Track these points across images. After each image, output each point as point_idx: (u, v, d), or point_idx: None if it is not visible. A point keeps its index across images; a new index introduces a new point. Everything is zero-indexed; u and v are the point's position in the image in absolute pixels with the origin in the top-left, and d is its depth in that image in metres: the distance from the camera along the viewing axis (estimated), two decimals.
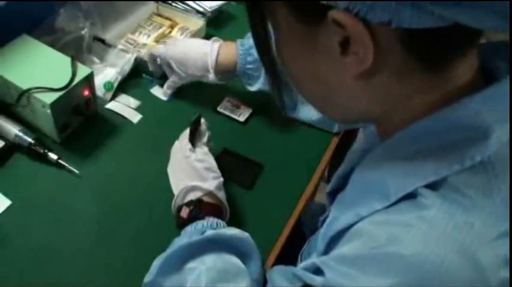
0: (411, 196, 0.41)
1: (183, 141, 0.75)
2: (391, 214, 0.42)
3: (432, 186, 0.41)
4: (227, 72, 0.88)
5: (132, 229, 0.78)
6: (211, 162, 0.74)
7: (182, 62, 0.88)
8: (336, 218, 0.49)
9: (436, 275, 0.37)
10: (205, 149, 0.76)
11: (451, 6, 0.34)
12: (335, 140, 0.94)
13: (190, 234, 0.65)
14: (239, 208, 0.82)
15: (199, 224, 0.66)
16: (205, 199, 0.69)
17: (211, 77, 0.87)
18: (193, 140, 0.77)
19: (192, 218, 0.68)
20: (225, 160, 0.84)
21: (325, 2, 0.37)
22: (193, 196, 0.70)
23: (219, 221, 0.67)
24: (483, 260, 0.38)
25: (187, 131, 0.76)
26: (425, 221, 0.39)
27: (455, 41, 0.39)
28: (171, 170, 0.75)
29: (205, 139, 0.77)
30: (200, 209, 0.68)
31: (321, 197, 1.03)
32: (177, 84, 0.94)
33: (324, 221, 0.60)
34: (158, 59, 0.92)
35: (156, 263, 0.63)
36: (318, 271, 0.44)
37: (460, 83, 0.42)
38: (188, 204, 0.69)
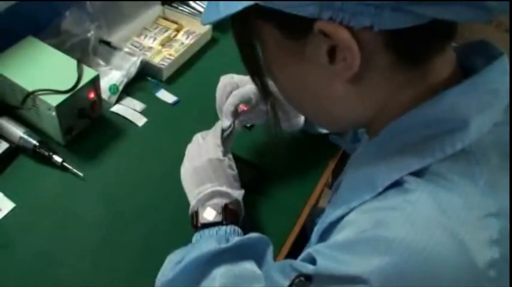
0: (397, 184, 0.43)
1: (213, 140, 0.73)
2: (379, 201, 0.43)
3: (417, 173, 0.42)
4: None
5: (138, 234, 0.78)
6: (236, 170, 0.75)
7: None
8: (329, 213, 0.51)
9: (422, 255, 0.38)
10: (231, 156, 0.76)
11: (427, 4, 0.36)
12: (337, 154, 0.95)
13: (217, 239, 0.64)
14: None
15: (222, 230, 0.66)
16: (230, 206, 0.70)
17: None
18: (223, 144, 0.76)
19: (215, 222, 0.67)
20: None
21: (309, 16, 0.39)
22: (219, 201, 0.69)
23: (239, 229, 0.69)
24: (467, 240, 0.38)
25: (218, 131, 0.74)
26: (409, 203, 0.40)
27: (434, 37, 0.41)
28: (190, 168, 0.72)
29: (230, 145, 0.77)
30: (225, 214, 0.68)
31: (324, 203, 1.04)
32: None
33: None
34: (253, 98, 0.75)
35: (174, 259, 0.63)
36: (312, 260, 0.45)
37: (441, 77, 0.44)
38: (214, 207, 0.68)
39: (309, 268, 0.45)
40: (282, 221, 0.82)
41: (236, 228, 0.68)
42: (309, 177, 0.89)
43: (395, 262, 0.38)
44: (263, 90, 0.49)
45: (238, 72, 0.81)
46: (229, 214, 0.69)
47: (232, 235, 0.66)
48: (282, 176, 0.88)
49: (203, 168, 0.71)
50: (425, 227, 0.39)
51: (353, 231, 0.43)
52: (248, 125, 0.94)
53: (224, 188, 0.70)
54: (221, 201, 0.69)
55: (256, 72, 0.47)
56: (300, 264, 0.47)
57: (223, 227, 0.66)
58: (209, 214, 0.68)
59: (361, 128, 0.58)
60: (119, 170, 0.87)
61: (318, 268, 0.44)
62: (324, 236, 0.51)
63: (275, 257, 0.75)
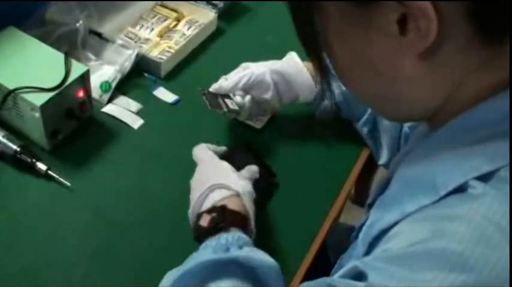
0: (461, 189, 0.42)
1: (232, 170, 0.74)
2: (440, 208, 0.43)
3: (482, 178, 0.42)
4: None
5: (133, 250, 0.78)
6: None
7: (286, 80, 0.87)
8: (378, 218, 0.50)
9: (492, 274, 0.38)
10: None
11: None
12: (365, 153, 0.95)
13: (213, 249, 0.63)
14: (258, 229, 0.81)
15: (223, 238, 0.64)
16: (230, 205, 0.67)
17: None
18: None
19: (213, 228, 0.65)
20: (233, 155, 0.83)
21: None
22: (217, 196, 0.68)
23: (245, 237, 0.65)
24: None
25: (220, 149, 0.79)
26: (477, 213, 0.40)
27: None
28: (198, 179, 0.73)
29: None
30: (223, 217, 0.66)
31: (347, 218, 1.08)
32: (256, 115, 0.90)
33: (360, 228, 0.61)
34: (240, 83, 0.86)
35: (169, 277, 0.62)
36: (359, 275, 0.45)
37: None
38: (210, 211, 0.67)
39: (358, 286, 0.44)
40: (298, 237, 0.82)
41: (241, 235, 0.65)
42: (329, 185, 0.89)
43: (462, 279, 0.38)
44: (320, 67, 0.49)
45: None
46: (228, 215, 0.66)
47: (235, 244, 0.63)
48: (298, 186, 0.89)
49: (197, 182, 0.73)
50: (496, 244, 0.39)
51: (409, 241, 0.42)
52: (258, 126, 0.95)
53: (218, 181, 0.69)
54: (219, 195, 0.68)
55: (312, 46, 0.48)
56: (344, 282, 0.46)
57: (224, 236, 0.64)
58: (204, 221, 0.66)
59: (423, 120, 0.57)
60: (112, 179, 0.87)
61: (370, 285, 0.43)
62: (373, 245, 0.50)
63: (291, 279, 0.76)
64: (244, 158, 0.81)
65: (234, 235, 0.64)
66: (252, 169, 0.76)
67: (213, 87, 0.87)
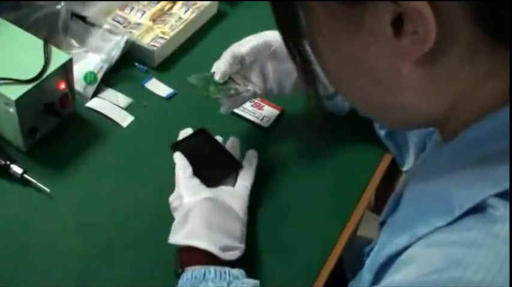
0: (479, 208, 0.43)
1: (240, 204, 0.80)
2: (455, 231, 0.43)
3: (503, 195, 0.42)
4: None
5: (123, 268, 0.78)
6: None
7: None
8: (386, 242, 0.51)
9: None
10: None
11: None
12: (387, 158, 0.96)
13: (212, 280, 0.67)
14: (262, 246, 0.82)
15: (220, 271, 0.70)
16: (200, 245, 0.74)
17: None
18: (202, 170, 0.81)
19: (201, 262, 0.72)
20: (196, 145, 0.86)
21: None
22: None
23: (241, 271, 0.72)
24: None
25: (245, 192, 0.82)
26: (497, 238, 0.40)
27: None
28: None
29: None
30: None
31: (366, 230, 1.09)
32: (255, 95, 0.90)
33: (370, 251, 0.62)
34: (246, 56, 0.85)
35: None
36: None
37: None
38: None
39: None
40: (312, 253, 0.82)
41: (231, 271, 0.71)
42: (346, 194, 0.89)
43: None
44: (303, 68, 0.49)
45: None
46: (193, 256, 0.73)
47: (233, 277, 0.69)
48: (310, 195, 0.89)
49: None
50: None
51: (421, 270, 0.43)
52: (264, 125, 0.96)
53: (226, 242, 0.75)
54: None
55: (295, 44, 0.48)
56: None
57: (212, 269, 0.70)
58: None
59: (429, 127, 0.58)
60: (97, 184, 0.87)
61: None
62: (381, 273, 0.51)
63: None
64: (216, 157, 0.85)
65: (231, 270, 0.71)
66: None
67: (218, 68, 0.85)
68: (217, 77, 0.83)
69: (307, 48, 0.49)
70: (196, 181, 0.80)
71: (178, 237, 0.75)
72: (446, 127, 0.51)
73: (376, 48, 0.44)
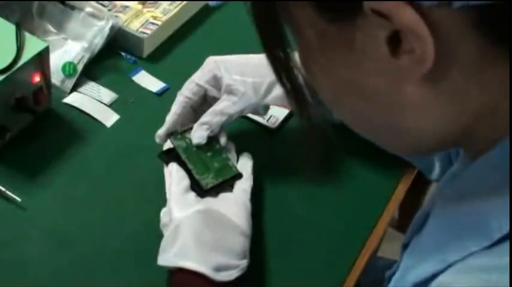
0: None
1: (244, 216, 0.79)
2: (494, 256, 0.44)
3: None
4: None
5: None
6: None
7: (244, 65, 0.89)
8: (411, 267, 0.52)
9: None
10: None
11: None
12: (413, 169, 0.95)
13: None
14: (267, 266, 0.82)
15: None
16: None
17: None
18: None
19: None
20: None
21: None
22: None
23: None
24: None
25: (246, 200, 0.81)
26: None
27: None
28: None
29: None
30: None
31: (388, 250, 1.09)
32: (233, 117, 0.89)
33: (391, 276, 0.63)
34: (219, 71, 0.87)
35: None
36: None
37: None
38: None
39: None
40: (326, 276, 0.82)
41: None
42: (365, 210, 0.89)
43: None
44: (294, 95, 0.50)
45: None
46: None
47: None
48: (323, 208, 0.88)
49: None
50: None
51: None
52: (272, 125, 0.96)
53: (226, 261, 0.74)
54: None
55: (284, 70, 0.49)
56: None
57: None
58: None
59: (450, 148, 0.60)
60: (76, 193, 0.86)
61: None
62: None
63: None
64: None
65: None
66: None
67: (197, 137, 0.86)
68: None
69: (297, 73, 0.50)
70: (192, 195, 0.80)
71: (167, 257, 0.74)
72: (469, 147, 0.52)
73: (374, 70, 0.45)
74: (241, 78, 0.86)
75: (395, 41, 0.41)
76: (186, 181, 0.81)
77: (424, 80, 0.43)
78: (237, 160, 0.87)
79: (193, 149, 0.84)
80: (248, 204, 0.81)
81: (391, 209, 0.91)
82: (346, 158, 0.95)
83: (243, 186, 0.83)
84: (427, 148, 0.53)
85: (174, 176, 0.81)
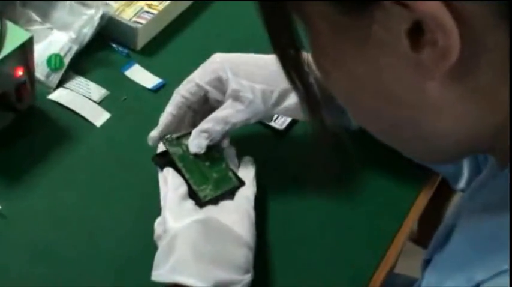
0: None
1: (247, 228, 0.79)
2: None
3: None
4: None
5: None
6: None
7: (254, 68, 0.87)
8: (435, 285, 0.52)
9: None
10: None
11: None
12: (434, 177, 0.95)
13: None
14: (277, 283, 0.81)
15: None
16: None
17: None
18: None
19: None
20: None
21: None
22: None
23: None
24: None
25: (250, 210, 0.81)
26: None
27: None
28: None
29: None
30: None
31: (407, 266, 1.08)
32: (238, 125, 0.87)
33: None
34: (224, 73, 0.85)
35: None
36: None
37: None
38: None
39: None
40: None
41: None
42: (382, 223, 0.88)
43: None
44: (306, 95, 0.50)
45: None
46: None
47: None
48: (338, 218, 0.88)
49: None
50: None
51: None
52: (279, 127, 0.95)
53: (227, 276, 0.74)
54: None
55: (294, 68, 0.49)
56: None
57: None
58: None
59: (477, 153, 0.61)
60: (61, 200, 0.85)
61: None
62: None
63: None
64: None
65: None
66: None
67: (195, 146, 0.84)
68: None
69: (309, 71, 0.50)
70: (189, 203, 0.79)
71: (162, 272, 0.73)
72: (498, 152, 0.52)
73: (392, 65, 0.45)
74: (250, 84, 0.84)
75: (416, 33, 0.41)
76: (183, 188, 0.80)
77: (448, 77, 0.43)
78: (239, 165, 0.87)
79: (190, 157, 0.83)
80: (251, 212, 0.80)
81: (410, 222, 0.90)
82: (359, 161, 0.94)
83: (246, 193, 0.82)
84: (449, 153, 0.54)
85: (170, 183, 0.80)
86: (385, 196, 0.92)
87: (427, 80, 0.44)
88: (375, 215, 0.89)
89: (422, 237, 1.43)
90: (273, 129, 0.95)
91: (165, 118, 0.84)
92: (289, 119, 0.96)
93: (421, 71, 0.43)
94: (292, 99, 0.85)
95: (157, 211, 0.78)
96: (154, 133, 0.84)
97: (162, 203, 0.79)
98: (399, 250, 0.88)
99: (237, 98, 0.83)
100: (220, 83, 0.84)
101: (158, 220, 0.78)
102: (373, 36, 0.43)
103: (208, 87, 0.84)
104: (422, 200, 0.93)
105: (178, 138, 0.84)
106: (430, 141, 0.51)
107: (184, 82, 0.85)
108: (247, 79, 0.83)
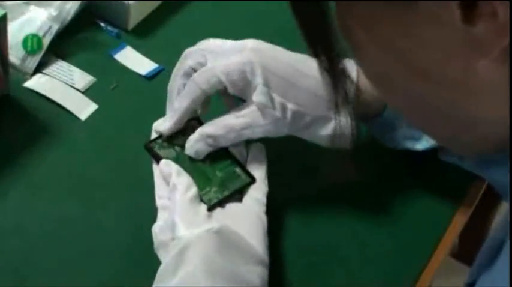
0: None
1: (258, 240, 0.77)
2: None
3: None
4: (368, 112, 0.88)
5: None
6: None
7: (290, 83, 0.84)
8: None
9: None
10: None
11: None
12: (478, 186, 0.94)
13: None
14: None
15: None
16: None
17: (342, 120, 0.82)
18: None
19: None
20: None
21: None
22: None
23: None
24: None
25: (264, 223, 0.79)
26: None
27: None
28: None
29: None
30: None
31: (444, 283, 1.14)
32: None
33: None
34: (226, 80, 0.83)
35: None
36: None
37: None
38: None
39: None
40: None
41: None
42: (419, 237, 0.87)
43: None
44: (333, 73, 0.50)
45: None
46: None
47: None
48: (366, 231, 0.87)
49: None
50: None
51: None
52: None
53: None
54: None
55: (322, 44, 0.49)
56: None
57: None
58: None
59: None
60: (38, 206, 0.84)
61: None
62: None
63: None
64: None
65: None
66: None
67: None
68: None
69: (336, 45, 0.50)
70: (202, 208, 0.77)
71: None
72: None
73: (438, 40, 0.44)
74: (281, 100, 0.81)
75: (469, 3, 0.40)
76: (193, 190, 0.78)
77: (503, 55, 0.42)
78: (247, 155, 0.85)
79: (186, 157, 0.82)
80: (264, 218, 0.78)
81: (451, 236, 0.90)
82: (390, 166, 0.94)
83: (256, 194, 0.80)
84: (495, 144, 0.53)
85: (177, 182, 0.78)
86: (421, 204, 0.91)
87: (477, 59, 0.44)
88: (412, 225, 0.89)
89: (464, 252, 1.44)
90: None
91: (182, 112, 0.82)
92: None
93: (472, 49, 0.43)
94: (324, 131, 0.83)
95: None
96: (165, 127, 0.83)
97: (157, 201, 0.78)
98: (438, 265, 0.87)
99: (261, 110, 0.81)
100: (243, 83, 0.81)
101: (159, 226, 0.77)
102: (419, 5, 0.43)
103: (229, 85, 0.81)
104: (464, 211, 0.92)
105: (169, 140, 0.82)
106: (469, 129, 0.51)
107: (205, 72, 0.82)
108: (279, 93, 0.80)
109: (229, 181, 0.81)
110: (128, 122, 0.92)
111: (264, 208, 0.80)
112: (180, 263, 0.72)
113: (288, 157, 0.90)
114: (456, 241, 1.03)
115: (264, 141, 0.86)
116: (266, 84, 0.80)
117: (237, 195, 0.81)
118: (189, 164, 0.81)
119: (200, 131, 0.81)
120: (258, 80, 0.80)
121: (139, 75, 0.97)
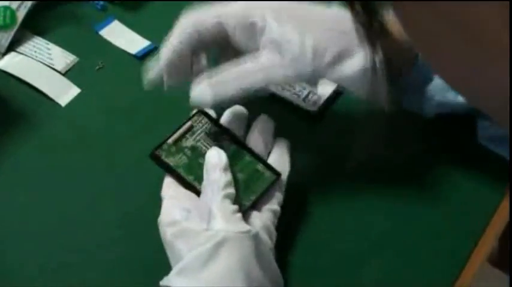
0: None
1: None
2: None
3: None
4: (399, 61, 0.85)
5: None
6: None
7: (305, 19, 0.82)
8: None
9: None
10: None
11: None
12: None
13: None
14: None
15: None
16: None
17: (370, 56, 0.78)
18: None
19: None
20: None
21: None
22: None
23: None
24: None
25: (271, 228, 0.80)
26: None
27: None
28: None
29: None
30: None
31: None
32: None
33: None
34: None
35: None
36: None
37: None
38: None
39: None
40: None
41: None
42: (454, 242, 0.86)
43: None
44: (367, 21, 0.51)
45: None
46: None
47: None
48: (395, 235, 0.85)
49: None
50: None
51: None
52: (311, 108, 0.92)
53: None
54: None
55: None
56: None
57: None
58: None
59: None
60: (14, 205, 0.83)
61: None
62: None
63: None
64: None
65: None
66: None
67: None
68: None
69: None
70: (236, 209, 0.77)
71: (193, 281, 0.73)
72: None
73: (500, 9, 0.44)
74: (298, 36, 0.80)
75: None
76: (232, 190, 0.78)
77: None
78: (268, 152, 0.84)
79: (200, 162, 0.80)
80: (274, 232, 0.79)
81: (489, 241, 0.88)
82: (420, 162, 0.91)
83: (271, 205, 0.80)
84: None
85: (220, 176, 0.78)
86: (456, 206, 0.89)
87: None
88: (447, 229, 0.87)
89: (503, 259, 1.45)
90: (302, 111, 0.91)
91: (166, 53, 0.81)
92: (324, 97, 0.92)
93: None
94: (353, 64, 0.80)
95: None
96: (153, 74, 0.82)
97: (165, 191, 0.78)
98: (475, 272, 0.85)
99: (277, 49, 0.79)
100: (251, 31, 0.80)
101: (184, 214, 0.77)
102: None
103: (231, 29, 0.80)
104: (502, 214, 0.90)
105: (176, 142, 0.80)
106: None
107: (198, 11, 0.82)
108: (293, 28, 0.79)
109: (253, 182, 0.80)
110: (115, 109, 0.91)
111: (276, 220, 0.80)
112: (215, 257, 0.73)
113: (305, 155, 0.89)
114: (496, 248, 1.03)
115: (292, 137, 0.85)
116: (278, 21, 0.79)
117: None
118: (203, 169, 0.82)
119: (208, 77, 0.79)
120: (268, 19, 0.79)
121: (129, 54, 0.96)
